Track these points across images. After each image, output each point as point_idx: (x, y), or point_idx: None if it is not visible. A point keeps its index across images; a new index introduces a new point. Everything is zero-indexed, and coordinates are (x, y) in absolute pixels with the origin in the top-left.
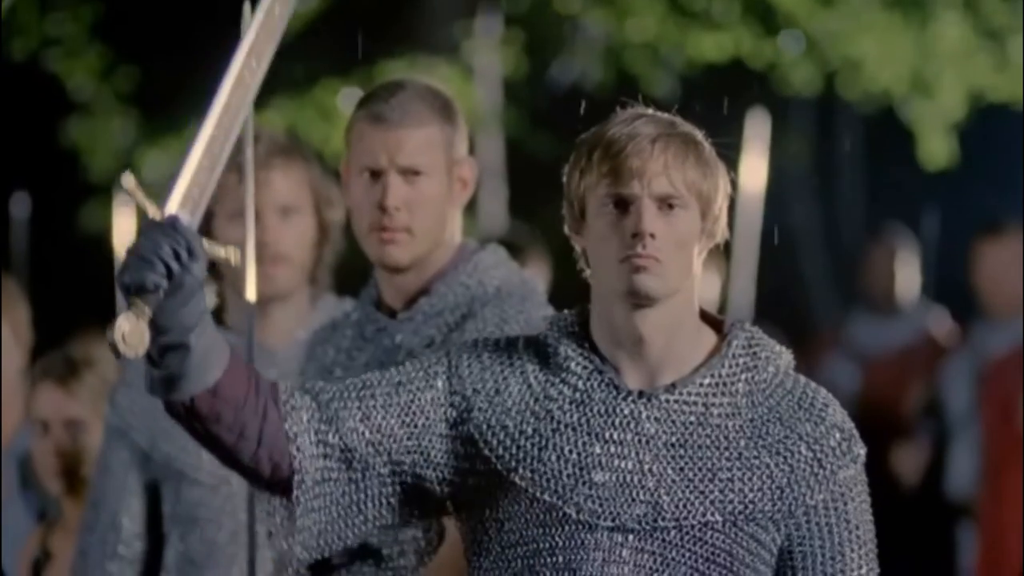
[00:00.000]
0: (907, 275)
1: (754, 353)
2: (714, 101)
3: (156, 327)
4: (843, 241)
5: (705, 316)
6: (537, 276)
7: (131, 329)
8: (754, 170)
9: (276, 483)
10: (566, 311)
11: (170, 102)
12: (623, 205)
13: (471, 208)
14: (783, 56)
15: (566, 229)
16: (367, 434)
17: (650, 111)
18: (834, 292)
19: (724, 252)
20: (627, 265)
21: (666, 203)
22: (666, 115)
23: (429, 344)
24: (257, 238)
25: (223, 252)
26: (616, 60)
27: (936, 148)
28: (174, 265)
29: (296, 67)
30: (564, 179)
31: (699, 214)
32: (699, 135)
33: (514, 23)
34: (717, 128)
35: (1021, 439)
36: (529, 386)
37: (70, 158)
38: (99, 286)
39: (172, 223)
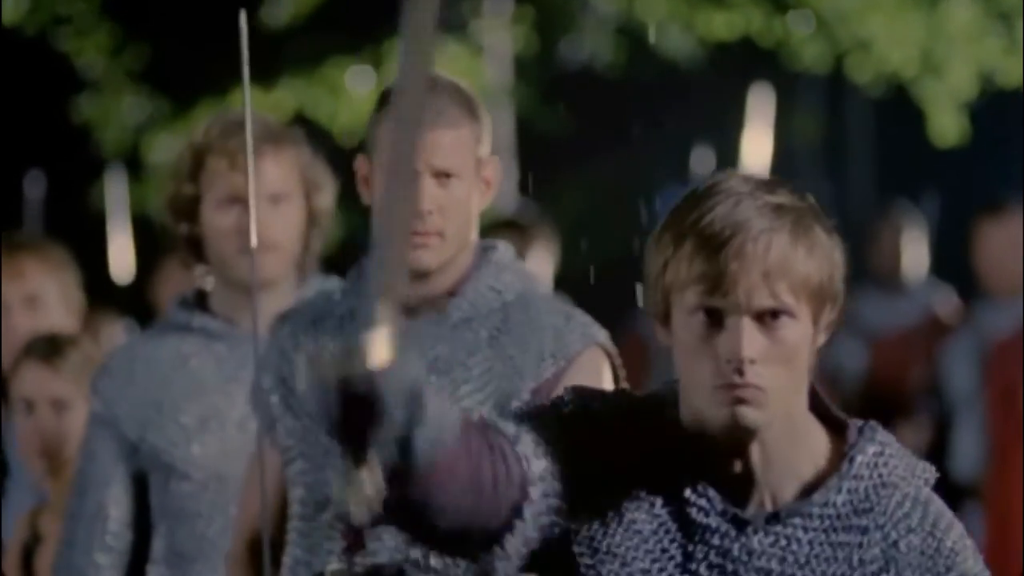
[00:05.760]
0: (914, 254)
1: (880, 475)
2: (724, 79)
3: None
4: (851, 219)
5: (820, 409)
6: (544, 256)
7: (373, 487)
8: (757, 146)
9: (489, 530)
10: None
11: (180, 81)
12: (717, 316)
13: None
14: (793, 35)
15: (647, 312)
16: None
17: (753, 181)
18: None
19: None
20: (723, 394)
21: (768, 314)
22: (772, 190)
23: (468, 349)
24: (245, 226)
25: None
26: (626, 38)
27: (947, 125)
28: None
29: (305, 45)
30: (646, 257)
31: (811, 318)
32: (810, 209)
33: (523, 0)
34: (727, 106)
35: None
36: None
37: (82, 135)
38: (110, 264)
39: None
